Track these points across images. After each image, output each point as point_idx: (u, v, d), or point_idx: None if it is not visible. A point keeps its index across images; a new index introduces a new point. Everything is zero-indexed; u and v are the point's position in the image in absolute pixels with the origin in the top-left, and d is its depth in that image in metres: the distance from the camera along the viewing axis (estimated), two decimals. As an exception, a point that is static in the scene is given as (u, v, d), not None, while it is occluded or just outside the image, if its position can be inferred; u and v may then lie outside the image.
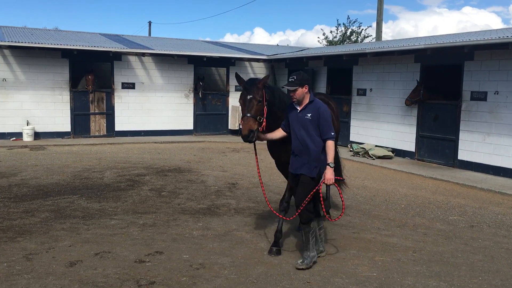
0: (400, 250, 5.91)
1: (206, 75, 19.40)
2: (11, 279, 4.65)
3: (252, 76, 19.26)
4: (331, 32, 32.57)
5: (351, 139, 15.53)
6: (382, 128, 14.45)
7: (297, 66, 18.06)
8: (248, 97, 5.21)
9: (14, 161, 11.53)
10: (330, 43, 31.50)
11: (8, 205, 7.47)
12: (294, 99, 5.16)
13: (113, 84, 16.73)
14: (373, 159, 13.24)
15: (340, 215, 5.63)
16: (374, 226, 6.95)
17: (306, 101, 5.18)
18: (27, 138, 15.21)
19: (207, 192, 8.82)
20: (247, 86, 5.28)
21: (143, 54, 16.89)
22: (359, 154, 13.80)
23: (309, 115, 5.11)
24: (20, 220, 6.68)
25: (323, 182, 5.05)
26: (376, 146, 14.08)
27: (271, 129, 5.48)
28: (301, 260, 5.19)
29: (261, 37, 78.62)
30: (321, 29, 44.68)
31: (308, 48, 22.37)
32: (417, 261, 5.54)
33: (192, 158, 13.01)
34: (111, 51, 15.98)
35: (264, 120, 5.28)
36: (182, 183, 9.48)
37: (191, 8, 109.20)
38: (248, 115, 5.17)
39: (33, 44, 14.87)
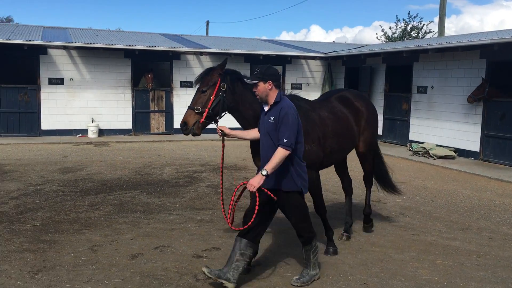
0: (463, 254, 5.67)
1: (262, 73, 19.48)
2: (77, 269, 4.88)
3: (308, 73, 19.17)
4: (390, 28, 31.77)
5: (411, 138, 15.07)
6: (443, 127, 13.91)
7: (354, 63, 17.76)
8: (196, 87, 4.91)
9: (80, 157, 12.11)
10: (389, 39, 30.70)
11: (75, 198, 7.86)
12: (258, 96, 4.45)
13: (172, 82, 17.17)
14: (434, 159, 12.77)
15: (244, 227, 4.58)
16: (435, 229, 6.71)
17: (272, 101, 4.40)
18: (92, 135, 15.93)
19: (262, 189, 8.84)
20: (200, 75, 4.90)
21: (201, 53, 17.21)
22: (419, 154, 13.36)
23: (272, 118, 4.35)
24: (85, 213, 7.01)
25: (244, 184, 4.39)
26: (437, 145, 13.58)
27: (243, 126, 5.00)
28: (297, 277, 4.67)
29: (317, 35, 77.95)
30: (380, 25, 43.97)
31: (366, 45, 21.91)
32: (482, 266, 5.29)
33: (249, 155, 13.08)
34: (170, 51, 16.42)
35: (206, 110, 4.72)
36: (238, 181, 9.57)
37: (248, 7, 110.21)
38: (188, 106, 4.84)
39: (98, 45, 15.55)
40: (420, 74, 14.84)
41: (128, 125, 16.76)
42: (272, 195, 4.41)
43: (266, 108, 4.47)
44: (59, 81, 15.81)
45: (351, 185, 6.45)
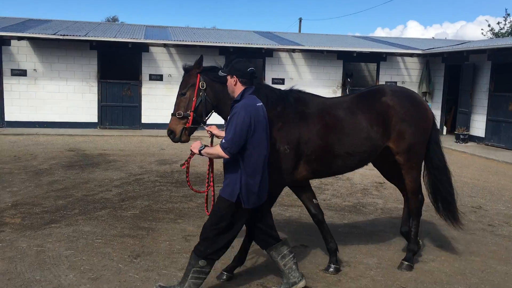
0: None
1: (354, 71, 19.08)
2: (172, 257, 5.11)
3: (404, 71, 18.41)
4: (498, 23, 29.40)
5: (518, 141, 13.90)
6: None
7: (456, 61, 16.73)
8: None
9: (176, 150, 12.68)
10: (496, 35, 28.53)
11: (170, 189, 8.24)
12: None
13: (264, 79, 17.37)
14: (545, 165, 11.65)
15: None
16: (545, 241, 6.12)
17: (234, 98, 4.09)
18: (186, 129, 16.58)
19: (353, 189, 8.67)
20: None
21: (293, 50, 17.22)
22: (527, 159, 12.27)
23: (229, 117, 4.01)
24: (180, 204, 7.32)
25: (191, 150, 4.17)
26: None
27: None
28: None
29: (414, 31, 74.43)
30: (486, 20, 40.86)
31: (469, 41, 20.57)
32: None
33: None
34: (263, 48, 16.61)
35: (191, 114, 4.45)
36: (327, 179, 9.44)
37: (341, 3, 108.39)
38: (172, 113, 4.57)
39: (195, 42, 16.16)
40: (531, 72, 13.61)
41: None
42: (192, 188, 4.90)
43: None
44: (159, 77, 16.67)
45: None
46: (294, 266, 4.26)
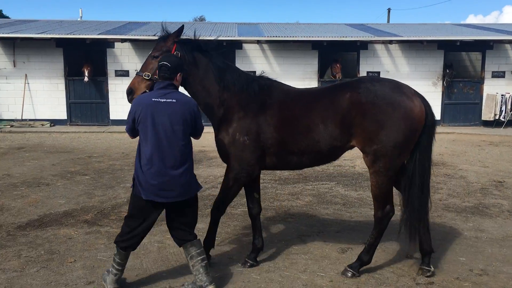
0: None
1: (454, 61, 17.88)
2: (291, 258, 4.96)
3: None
4: None
5: None
6: None
7: None
8: None
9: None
10: None
11: (275, 186, 8.14)
12: None
13: (358, 73, 16.82)
14: None
15: None
16: None
17: None
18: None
19: (469, 189, 8.01)
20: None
21: (390, 42, 16.48)
22: None
23: None
24: (287, 201, 7.18)
25: None
26: None
27: (201, 106, 4.54)
28: None
29: (511, 17, 68.79)
30: None
31: None
32: None
33: (443, 150, 12.11)
34: (358, 41, 16.06)
35: (155, 76, 4.30)
36: (439, 177, 8.84)
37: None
38: (137, 72, 4.47)
39: (287, 38, 16.01)
40: None
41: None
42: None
43: None
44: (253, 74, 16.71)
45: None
46: (201, 270, 4.07)
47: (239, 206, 6.80)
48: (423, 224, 4.48)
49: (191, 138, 4.15)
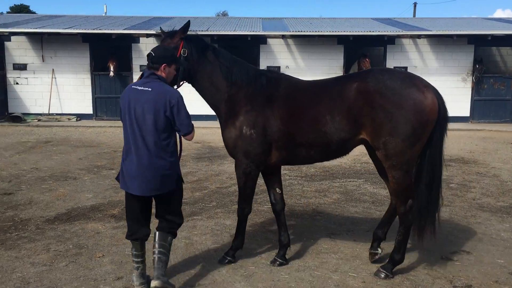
0: None
1: (483, 56, 17.38)
2: (321, 257, 4.84)
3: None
4: None
5: None
6: None
7: None
8: None
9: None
10: None
11: (302, 183, 8.01)
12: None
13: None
14: None
15: None
16: None
17: None
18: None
19: (504, 188, 7.74)
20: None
21: (418, 36, 16.11)
22: None
23: None
24: (315, 199, 7.05)
25: None
26: None
27: (209, 102, 4.57)
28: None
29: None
30: None
31: None
32: None
33: (474, 148, 11.78)
34: (386, 35, 15.77)
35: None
36: (470, 176, 8.59)
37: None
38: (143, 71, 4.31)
39: (312, 32, 15.81)
40: None
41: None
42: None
43: None
44: (276, 69, 16.57)
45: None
46: (155, 263, 3.94)
47: (265, 203, 6.70)
48: (430, 221, 4.35)
49: (178, 134, 4.00)
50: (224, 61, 4.49)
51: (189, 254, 4.87)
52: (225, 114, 4.49)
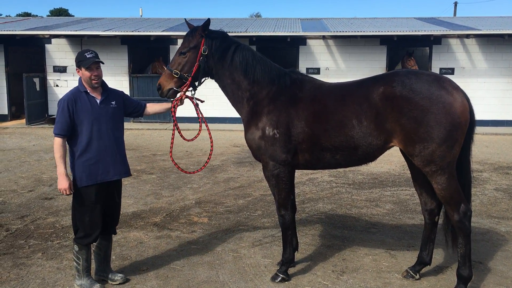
0: None
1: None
2: (382, 276, 4.42)
3: None
4: None
5: None
6: None
7: None
8: None
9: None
10: None
11: (350, 191, 7.56)
12: (96, 81, 4.17)
13: (430, 69, 15.80)
14: None
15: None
16: None
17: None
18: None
19: None
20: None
21: (467, 36, 15.34)
22: None
23: (113, 102, 4.26)
24: (366, 209, 6.60)
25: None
26: None
27: (231, 100, 4.45)
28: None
29: None
30: None
31: None
32: None
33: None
34: (432, 35, 15.08)
35: (190, 78, 4.27)
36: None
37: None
38: (167, 67, 4.37)
39: (355, 33, 15.29)
40: None
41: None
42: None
43: (97, 95, 4.21)
44: (316, 71, 16.12)
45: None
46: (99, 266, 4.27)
47: (315, 212, 6.30)
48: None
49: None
50: (247, 58, 4.34)
51: (239, 270, 4.54)
52: (247, 114, 4.36)
